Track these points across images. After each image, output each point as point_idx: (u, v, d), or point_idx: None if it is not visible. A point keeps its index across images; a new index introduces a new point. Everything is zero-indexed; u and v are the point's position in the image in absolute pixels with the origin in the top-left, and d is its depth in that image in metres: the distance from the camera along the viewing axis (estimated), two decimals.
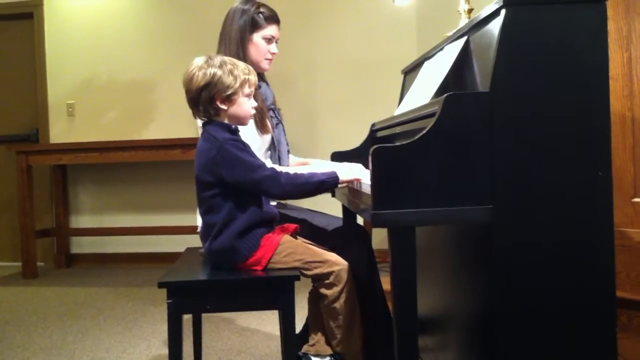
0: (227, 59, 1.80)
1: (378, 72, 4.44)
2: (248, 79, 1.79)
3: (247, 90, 1.79)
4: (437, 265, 2.02)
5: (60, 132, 5.04)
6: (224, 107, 1.77)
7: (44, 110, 5.05)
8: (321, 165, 2.26)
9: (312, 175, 1.76)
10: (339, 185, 1.80)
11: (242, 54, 2.20)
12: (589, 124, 1.38)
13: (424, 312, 2.12)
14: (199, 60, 1.77)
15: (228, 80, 1.74)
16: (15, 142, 4.94)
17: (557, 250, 1.38)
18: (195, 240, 2.05)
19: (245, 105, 1.80)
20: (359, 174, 1.77)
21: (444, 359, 1.98)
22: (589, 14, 1.38)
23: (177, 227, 4.57)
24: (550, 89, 1.37)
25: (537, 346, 1.39)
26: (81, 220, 5.02)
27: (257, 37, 2.24)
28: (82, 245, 5.05)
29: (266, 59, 2.28)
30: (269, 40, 2.26)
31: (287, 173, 1.75)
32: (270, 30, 2.25)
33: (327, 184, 1.75)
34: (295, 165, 2.38)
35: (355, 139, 2.55)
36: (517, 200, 1.36)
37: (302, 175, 1.76)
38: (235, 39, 2.21)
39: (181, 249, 2.32)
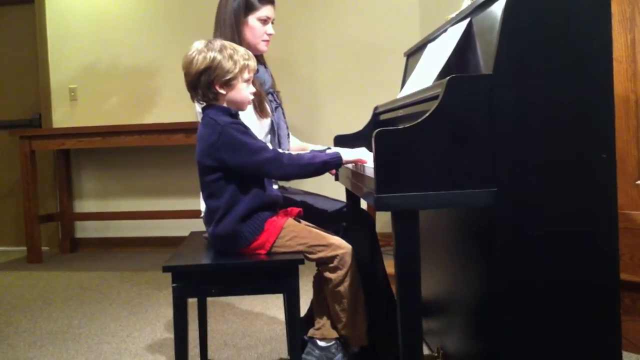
0: (227, 43, 1.78)
1: (380, 54, 4.41)
2: (248, 64, 1.78)
3: (246, 75, 1.78)
4: (440, 249, 2.02)
5: (62, 116, 5.03)
6: (222, 91, 1.76)
7: (47, 95, 5.04)
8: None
9: (314, 155, 1.75)
10: (343, 164, 1.79)
11: (237, 37, 2.17)
12: (592, 106, 1.37)
13: (428, 296, 2.12)
14: (199, 44, 1.76)
15: (228, 65, 1.73)
16: (18, 127, 4.93)
17: (560, 233, 1.38)
18: (199, 224, 2.05)
19: (244, 90, 1.79)
20: (362, 155, 1.76)
21: (448, 342, 1.99)
22: None
23: (181, 211, 4.57)
24: (553, 70, 1.37)
25: (541, 330, 1.40)
26: (85, 205, 5.03)
27: (252, 19, 2.21)
28: (86, 230, 5.07)
29: (263, 41, 2.25)
30: (265, 21, 2.23)
31: (289, 154, 1.75)
32: (265, 11, 2.22)
33: (330, 165, 1.74)
34: (295, 149, 2.37)
35: (358, 123, 2.54)
36: (519, 183, 1.36)
37: (304, 155, 1.75)
38: (229, 23, 2.18)
39: (185, 233, 2.32)
